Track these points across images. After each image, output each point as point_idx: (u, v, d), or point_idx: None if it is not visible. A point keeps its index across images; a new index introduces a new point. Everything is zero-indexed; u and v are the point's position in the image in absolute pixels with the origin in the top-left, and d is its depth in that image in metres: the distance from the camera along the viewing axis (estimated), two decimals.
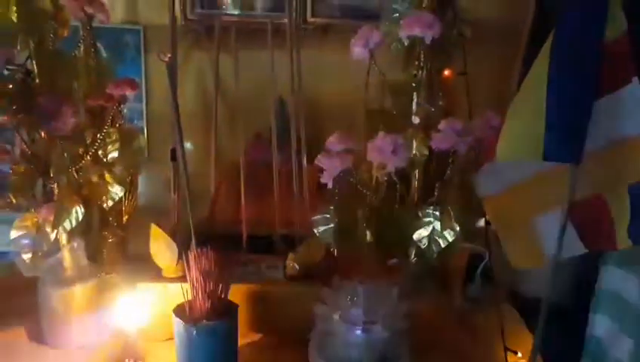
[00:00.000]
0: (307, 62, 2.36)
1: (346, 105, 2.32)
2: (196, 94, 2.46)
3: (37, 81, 1.59)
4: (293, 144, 2.25)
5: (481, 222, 1.77)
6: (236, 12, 2.38)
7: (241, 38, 2.35)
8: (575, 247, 1.58)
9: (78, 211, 1.71)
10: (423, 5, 1.55)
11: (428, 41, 1.46)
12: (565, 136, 1.37)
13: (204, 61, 2.44)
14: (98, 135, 1.70)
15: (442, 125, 1.55)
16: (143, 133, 2.43)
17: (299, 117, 2.27)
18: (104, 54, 2.12)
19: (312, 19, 2.38)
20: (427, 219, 1.61)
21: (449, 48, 1.58)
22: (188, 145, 2.39)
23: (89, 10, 1.60)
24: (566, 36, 1.40)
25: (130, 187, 1.97)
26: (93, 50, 1.69)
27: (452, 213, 1.60)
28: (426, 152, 1.62)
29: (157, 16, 2.36)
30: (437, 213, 1.61)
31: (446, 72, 1.82)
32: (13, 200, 1.65)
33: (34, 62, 1.58)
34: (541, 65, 1.38)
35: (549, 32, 2.21)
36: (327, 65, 2.40)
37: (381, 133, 1.54)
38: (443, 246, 1.61)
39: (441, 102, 1.65)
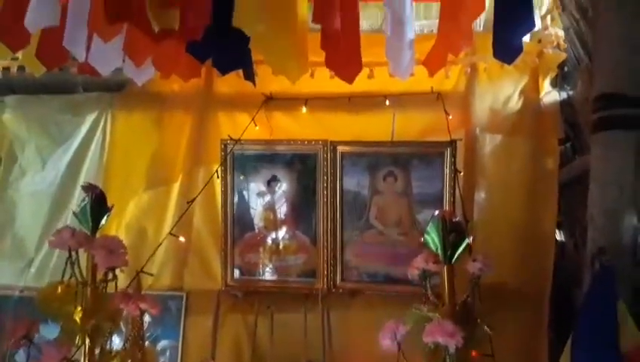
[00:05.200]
0: (336, 324, 2.48)
1: None
2: (231, 356, 2.53)
3: None
4: None
5: None
6: (272, 278, 2.60)
7: (275, 302, 2.52)
8: None
9: None
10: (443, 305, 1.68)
11: (452, 350, 1.55)
12: None
13: (240, 323, 2.57)
14: None
15: None
16: None
17: None
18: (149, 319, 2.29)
19: (342, 284, 2.55)
20: None
21: (473, 348, 1.67)
22: None
23: (143, 306, 1.79)
24: (582, 344, 1.48)
25: None
26: (141, 341, 1.84)
27: None
28: None
29: (201, 283, 2.59)
30: None
31: (473, 353, 1.87)
32: None
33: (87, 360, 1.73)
34: None
35: (571, 298, 2.32)
36: (354, 327, 2.49)
37: None
38: None
39: None
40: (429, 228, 1.73)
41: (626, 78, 1.81)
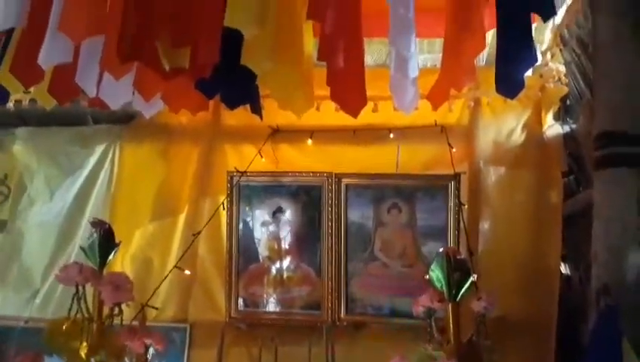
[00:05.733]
0: (340, 357, 2.45)
1: None
2: None
3: None
4: None
5: None
6: (276, 310, 2.59)
7: (280, 334, 2.50)
8: None
9: None
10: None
11: None
12: None
13: (244, 355, 2.55)
14: None
15: None
16: None
17: None
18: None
19: (346, 316, 2.54)
20: None
21: None
22: None
23: (149, 342, 1.80)
24: None
25: None
26: None
27: None
28: None
29: (205, 315, 2.59)
30: None
31: None
32: None
33: None
34: None
35: (577, 333, 2.30)
36: (359, 361, 2.47)
37: None
38: None
39: None
40: (433, 266, 1.73)
41: (626, 116, 1.82)
